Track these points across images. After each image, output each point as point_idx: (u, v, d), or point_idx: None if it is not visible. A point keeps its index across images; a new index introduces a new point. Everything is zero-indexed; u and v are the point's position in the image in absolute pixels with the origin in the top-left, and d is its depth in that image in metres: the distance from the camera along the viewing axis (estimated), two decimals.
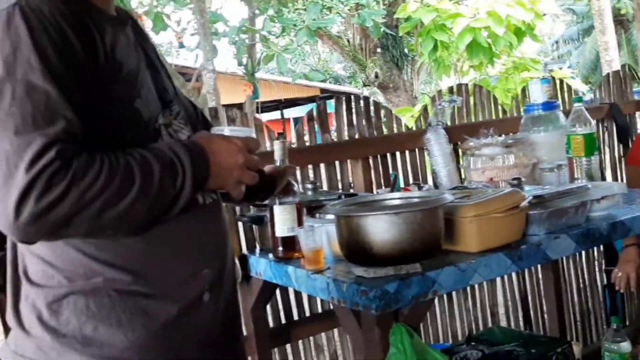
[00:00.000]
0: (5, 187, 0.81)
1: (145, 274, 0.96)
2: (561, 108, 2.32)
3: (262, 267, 1.71)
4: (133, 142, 0.93)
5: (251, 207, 1.88)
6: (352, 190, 2.22)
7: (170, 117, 1.06)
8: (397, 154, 2.42)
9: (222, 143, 1.01)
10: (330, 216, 1.47)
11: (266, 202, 1.60)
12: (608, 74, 3.25)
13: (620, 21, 16.84)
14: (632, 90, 3.29)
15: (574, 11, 19.62)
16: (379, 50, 13.17)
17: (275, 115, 14.90)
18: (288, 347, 2.17)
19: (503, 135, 2.26)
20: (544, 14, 7.07)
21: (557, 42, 20.60)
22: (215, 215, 1.09)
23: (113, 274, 0.94)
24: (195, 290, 1.01)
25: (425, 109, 2.68)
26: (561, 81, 3.07)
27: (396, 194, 1.52)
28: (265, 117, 13.49)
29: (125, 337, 0.94)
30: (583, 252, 2.95)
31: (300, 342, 2.20)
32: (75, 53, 0.89)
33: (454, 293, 2.58)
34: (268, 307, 2.00)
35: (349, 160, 2.29)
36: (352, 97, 2.41)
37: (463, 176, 2.37)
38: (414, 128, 2.64)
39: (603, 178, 2.42)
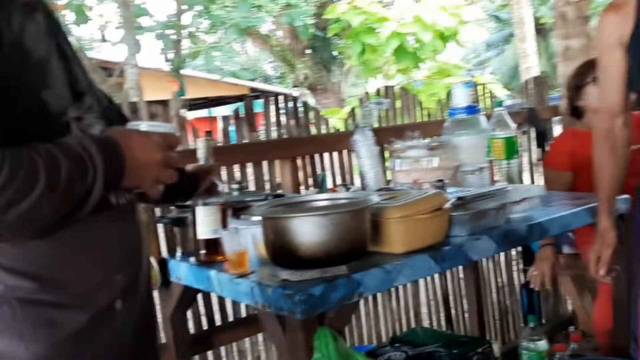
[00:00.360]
0: None
1: (51, 280, 0.89)
2: (483, 112, 2.38)
3: (182, 272, 1.65)
4: (40, 136, 0.86)
5: (172, 208, 1.81)
6: (279, 191, 2.18)
7: (81, 111, 0.99)
8: (325, 155, 2.41)
9: (138, 138, 0.95)
10: (257, 218, 1.43)
11: (188, 202, 1.54)
12: (527, 80, 3.38)
13: (540, 30, 17.71)
14: (550, 96, 3.44)
15: (498, 18, 20.42)
16: (308, 51, 13.22)
17: (203, 113, 14.64)
18: (210, 353, 2.11)
19: (428, 138, 2.29)
20: (467, 21, 7.32)
21: (478, 48, 21.39)
22: (129, 216, 1.03)
23: (15, 281, 0.87)
24: (107, 297, 0.94)
25: (353, 110, 2.69)
26: (484, 86, 3.17)
27: (323, 195, 1.50)
28: (192, 115, 13.21)
29: (26, 349, 0.87)
30: (502, 253, 3.05)
31: (222, 348, 2.15)
32: None
33: (378, 294, 2.60)
34: (189, 313, 1.93)
35: (276, 161, 2.25)
36: (281, 97, 2.38)
37: (389, 178, 2.39)
38: (342, 129, 2.64)
39: (521, 181, 2.50)
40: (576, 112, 2.53)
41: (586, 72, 2.42)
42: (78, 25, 7.20)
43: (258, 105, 2.77)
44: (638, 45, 1.59)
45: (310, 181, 2.31)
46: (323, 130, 2.47)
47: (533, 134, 3.16)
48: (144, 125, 1.02)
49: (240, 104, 2.45)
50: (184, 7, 8.22)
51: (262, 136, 2.30)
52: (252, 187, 2.17)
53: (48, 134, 0.88)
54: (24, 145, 0.82)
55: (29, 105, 0.88)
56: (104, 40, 9.46)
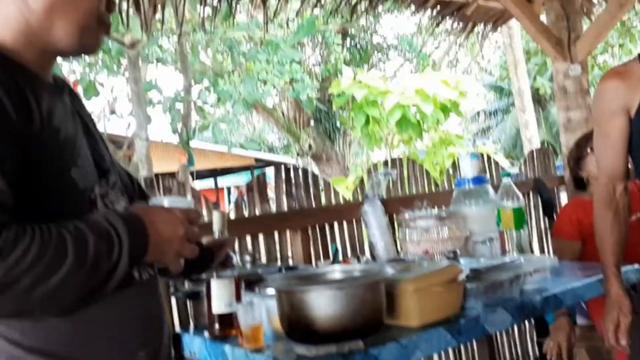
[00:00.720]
0: None
1: (73, 358, 0.89)
2: (490, 182, 2.41)
3: (196, 346, 1.63)
4: (67, 212, 0.88)
5: (185, 281, 1.81)
6: (290, 262, 2.18)
7: (106, 187, 1.02)
8: (335, 225, 2.43)
9: (161, 214, 0.97)
10: (271, 290, 1.43)
11: (202, 275, 1.54)
12: (532, 150, 3.44)
13: (539, 100, 18.11)
14: (555, 165, 3.49)
15: (497, 88, 20.90)
16: (312, 122, 13.49)
17: (209, 183, 14.76)
18: None
19: (436, 207, 2.32)
20: (468, 92, 7.51)
21: (478, 115, 21.78)
22: (152, 291, 1.04)
23: None
24: None
25: (361, 180, 2.73)
26: (489, 156, 3.22)
27: (337, 267, 1.50)
28: (198, 185, 13.33)
29: None
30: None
31: None
32: (8, 120, 0.84)
33: None
34: None
35: (288, 231, 2.27)
36: (291, 167, 2.42)
37: (399, 248, 2.39)
38: (350, 199, 2.67)
39: (532, 250, 2.50)
40: (580, 183, 2.56)
41: (585, 143, 2.46)
42: (89, 100, 7.42)
43: (267, 176, 2.81)
44: None
45: (322, 252, 2.32)
46: (332, 201, 2.50)
47: (540, 203, 3.18)
48: (166, 201, 1.05)
49: (247, 174, 2.48)
50: (192, 82, 8.49)
51: (272, 207, 2.33)
52: (263, 258, 2.17)
53: (76, 210, 0.91)
54: (53, 222, 0.84)
55: (58, 183, 0.91)
56: (112, 113, 9.69)
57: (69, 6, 0.94)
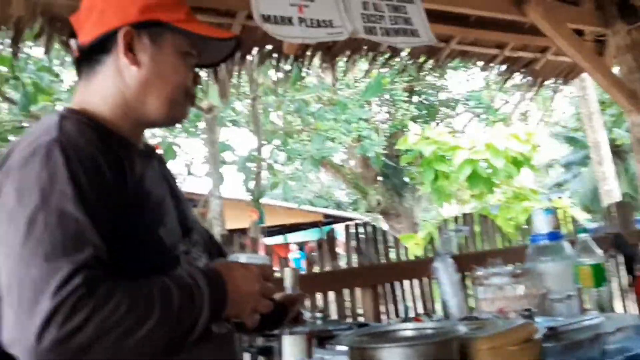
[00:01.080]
0: (29, 312, 0.82)
1: None
2: (566, 237, 2.35)
3: None
4: (155, 267, 0.95)
5: (259, 336, 1.84)
6: (362, 319, 2.18)
7: (189, 245, 1.09)
8: (407, 282, 2.42)
9: (240, 270, 1.03)
10: (341, 347, 1.44)
11: (275, 331, 1.58)
12: (610, 204, 3.32)
13: (616, 151, 17.40)
14: (635, 220, 3.34)
15: (572, 139, 20.27)
16: (379, 178, 13.50)
17: (279, 239, 14.93)
18: None
19: (510, 264, 2.27)
20: (540, 145, 7.35)
21: (552, 168, 21.11)
22: (230, 346, 1.08)
23: None
24: None
25: (431, 237, 2.72)
26: (564, 211, 3.14)
27: (409, 324, 1.50)
28: (268, 241, 13.49)
29: None
30: None
31: None
32: (106, 183, 0.94)
33: None
34: None
35: (357, 288, 2.28)
36: (360, 224, 2.45)
37: (472, 306, 2.35)
38: (421, 255, 2.65)
39: (613, 308, 2.39)
40: None
41: None
42: (167, 161, 7.79)
43: (337, 232, 2.85)
44: None
45: (393, 309, 2.30)
46: (402, 257, 2.50)
47: (621, 259, 3.04)
48: (243, 258, 1.10)
49: (316, 230, 2.53)
50: (264, 142, 8.77)
51: (342, 263, 2.36)
52: (334, 315, 2.18)
53: (162, 265, 0.98)
54: (143, 277, 0.91)
55: (147, 241, 0.99)
56: (190, 174, 10.11)
57: (161, 82, 1.06)
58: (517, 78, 4.07)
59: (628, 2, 3.29)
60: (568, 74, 4.02)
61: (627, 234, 3.08)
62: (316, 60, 3.06)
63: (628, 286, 3.07)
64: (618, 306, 3.05)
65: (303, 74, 4.10)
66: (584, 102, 9.79)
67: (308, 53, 2.92)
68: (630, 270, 3.04)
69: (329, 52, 3.00)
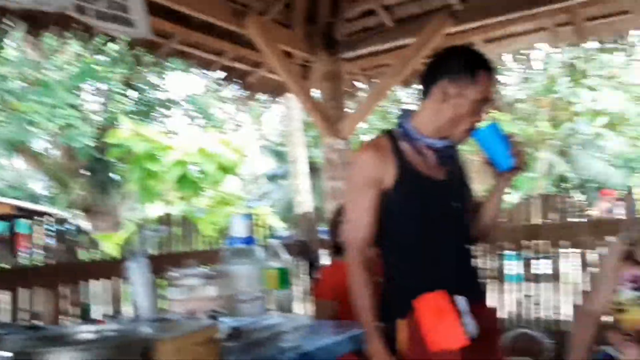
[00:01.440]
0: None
1: None
2: (259, 243, 2.49)
3: None
4: None
5: None
6: (38, 322, 1.98)
7: None
8: (96, 282, 2.27)
9: None
10: (4, 354, 1.27)
11: None
12: (300, 214, 3.66)
13: (313, 168, 19.34)
14: (319, 229, 3.74)
15: (278, 153, 21.86)
16: (85, 172, 12.64)
17: None
18: None
19: (207, 266, 2.31)
20: (248, 156, 7.78)
21: (258, 179, 22.50)
22: None
23: None
24: None
25: (129, 236, 2.62)
26: (262, 218, 3.35)
27: (89, 327, 1.40)
28: None
29: None
30: None
31: None
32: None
33: None
34: None
35: (37, 288, 2.06)
36: (52, 219, 2.23)
37: (165, 307, 2.32)
38: (117, 255, 2.53)
39: (291, 310, 2.61)
40: (337, 247, 2.77)
41: (342, 211, 2.70)
42: None
43: (24, 226, 2.55)
44: (402, 195, 1.72)
45: (77, 310, 2.14)
46: (95, 255, 2.35)
47: (306, 265, 3.37)
48: None
49: (4, 224, 2.24)
50: None
51: (25, 260, 2.11)
52: (6, 317, 1.93)
53: None
54: None
55: None
56: None
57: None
58: (234, 88, 4.23)
59: (332, 34, 3.70)
60: (277, 91, 4.33)
61: (310, 242, 3.43)
62: (19, 32, 2.72)
63: (310, 290, 3.41)
64: (299, 308, 3.36)
65: (2, 44, 3.59)
66: (289, 120, 10.67)
67: (10, 23, 2.56)
68: (311, 275, 3.38)
69: (35, 23, 2.68)
